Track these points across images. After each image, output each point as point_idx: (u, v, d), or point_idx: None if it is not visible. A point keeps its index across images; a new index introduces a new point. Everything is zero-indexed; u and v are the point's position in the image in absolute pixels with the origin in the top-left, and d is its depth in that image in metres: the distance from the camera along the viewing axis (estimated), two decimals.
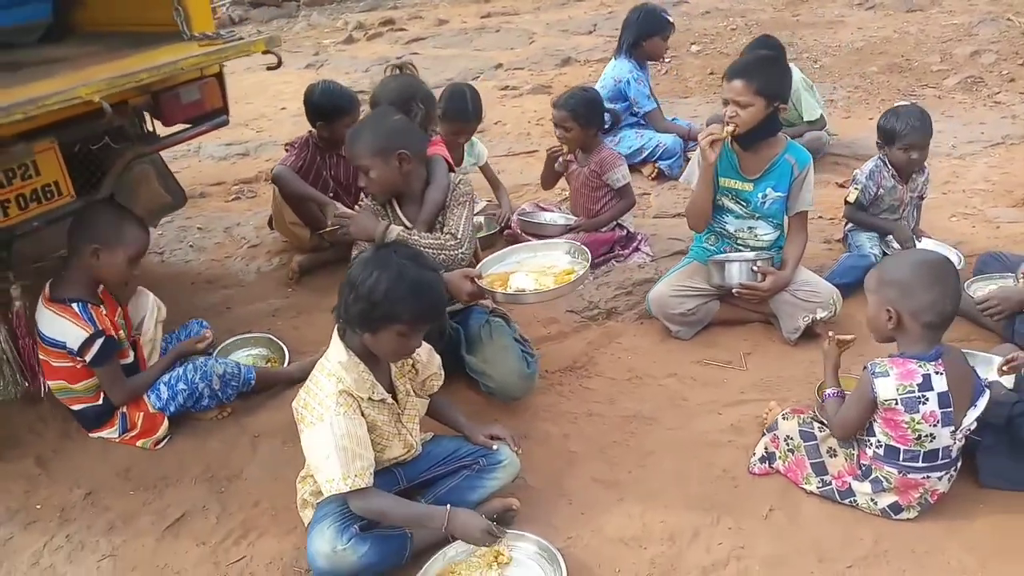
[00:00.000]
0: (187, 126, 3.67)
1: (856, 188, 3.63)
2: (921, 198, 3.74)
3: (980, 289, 3.27)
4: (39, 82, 2.91)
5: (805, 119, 4.84)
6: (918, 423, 2.25)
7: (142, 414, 2.84)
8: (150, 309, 3.00)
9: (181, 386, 2.85)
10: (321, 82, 4.13)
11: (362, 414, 2.20)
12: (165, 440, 2.86)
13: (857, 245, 3.67)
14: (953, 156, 4.92)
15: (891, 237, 3.63)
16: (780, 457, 2.54)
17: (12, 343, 2.88)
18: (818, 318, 3.18)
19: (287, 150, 4.14)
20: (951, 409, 2.25)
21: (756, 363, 3.19)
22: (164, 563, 2.39)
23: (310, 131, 4.12)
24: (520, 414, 2.95)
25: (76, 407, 2.83)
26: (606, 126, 3.95)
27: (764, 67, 3.10)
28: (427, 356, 2.49)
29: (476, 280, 2.75)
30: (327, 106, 3.97)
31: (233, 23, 12.30)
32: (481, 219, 4.33)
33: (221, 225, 4.79)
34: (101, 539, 2.48)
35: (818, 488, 2.46)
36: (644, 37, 4.96)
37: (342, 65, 8.55)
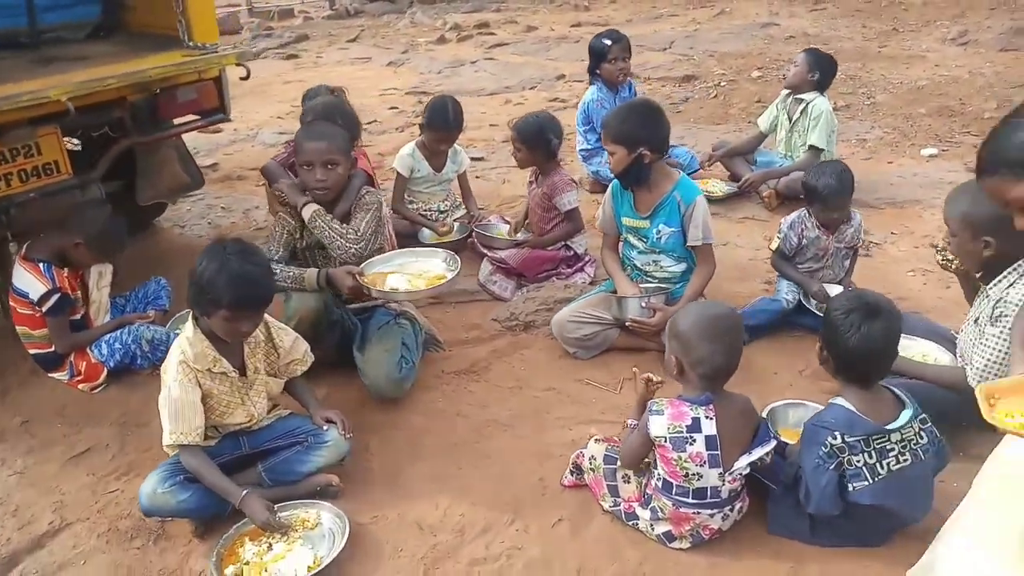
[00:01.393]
0: (195, 118, 4.23)
1: (778, 237, 3.72)
2: (852, 248, 3.76)
3: None
4: (42, 78, 3.50)
5: (809, 142, 4.88)
6: (685, 461, 2.42)
7: (86, 363, 3.39)
8: (92, 278, 3.51)
9: (117, 346, 3.39)
10: (318, 86, 4.57)
11: (199, 383, 2.60)
12: (101, 387, 3.39)
13: (777, 289, 3.76)
14: None
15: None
16: (586, 471, 2.76)
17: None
18: None
19: (285, 147, 4.63)
20: (719, 452, 2.42)
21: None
22: (56, 485, 2.90)
23: None
24: (400, 407, 3.28)
25: (33, 351, 3.41)
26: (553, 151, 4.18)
27: (620, 118, 3.34)
28: (291, 343, 2.87)
29: (357, 276, 3.10)
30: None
31: (349, 15, 13.15)
32: (456, 224, 4.69)
33: (242, 207, 5.36)
34: (19, 459, 3.03)
35: (611, 507, 2.67)
36: (596, 67, 5.20)
37: (420, 65, 9.04)
